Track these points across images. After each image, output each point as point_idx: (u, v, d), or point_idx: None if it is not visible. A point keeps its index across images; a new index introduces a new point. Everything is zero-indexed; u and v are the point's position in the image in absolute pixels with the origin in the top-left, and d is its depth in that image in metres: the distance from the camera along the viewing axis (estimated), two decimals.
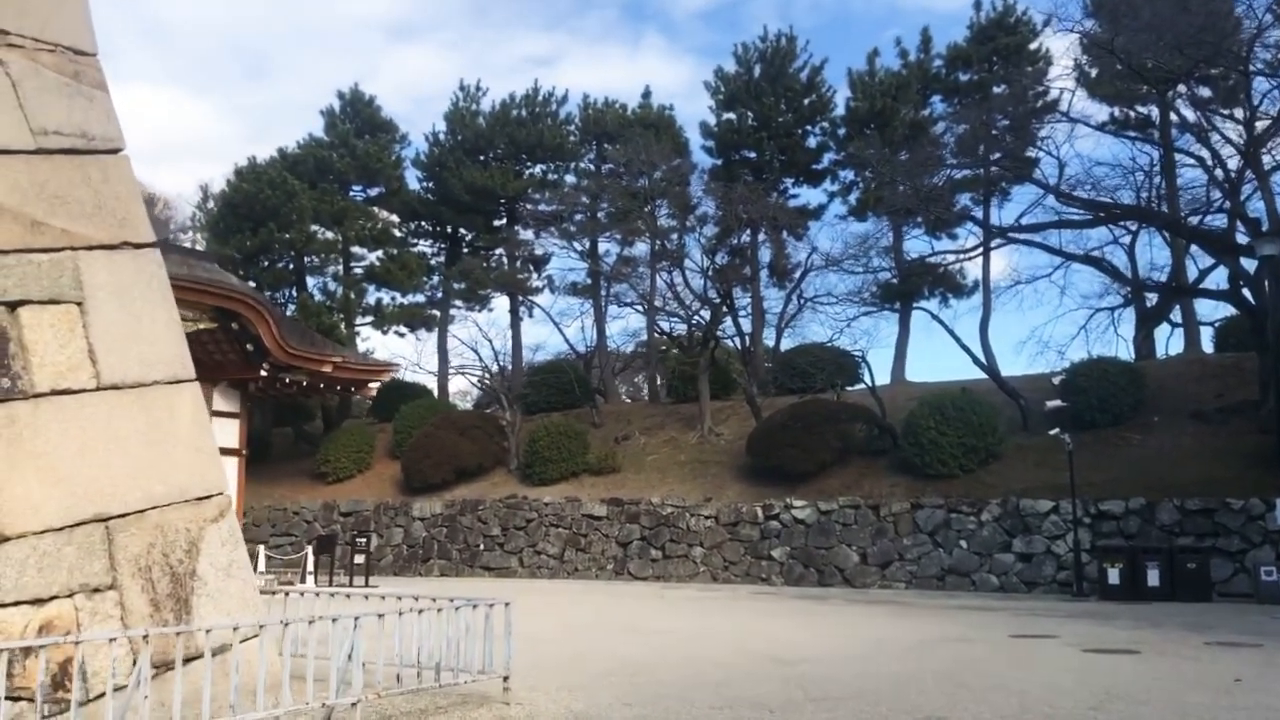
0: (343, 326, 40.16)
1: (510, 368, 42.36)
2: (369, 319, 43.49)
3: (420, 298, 44.78)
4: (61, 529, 7.46)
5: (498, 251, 45.39)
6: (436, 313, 45.17)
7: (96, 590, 7.57)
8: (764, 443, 29.68)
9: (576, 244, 41.87)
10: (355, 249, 42.66)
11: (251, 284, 40.22)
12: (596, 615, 18.13)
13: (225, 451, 25.23)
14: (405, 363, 43.04)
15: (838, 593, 24.41)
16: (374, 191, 44.27)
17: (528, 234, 43.27)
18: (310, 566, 26.60)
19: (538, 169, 44.77)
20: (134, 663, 7.58)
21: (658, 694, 9.69)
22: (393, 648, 9.25)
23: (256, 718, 7.41)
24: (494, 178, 42.11)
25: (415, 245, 45.94)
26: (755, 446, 30.02)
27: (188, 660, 7.92)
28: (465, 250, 45.47)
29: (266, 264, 39.92)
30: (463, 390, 50.42)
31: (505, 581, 28.86)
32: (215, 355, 24.65)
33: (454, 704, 9.03)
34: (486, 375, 38.78)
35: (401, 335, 45.12)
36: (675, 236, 39.19)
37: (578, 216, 41.81)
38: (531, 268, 44.77)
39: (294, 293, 41.37)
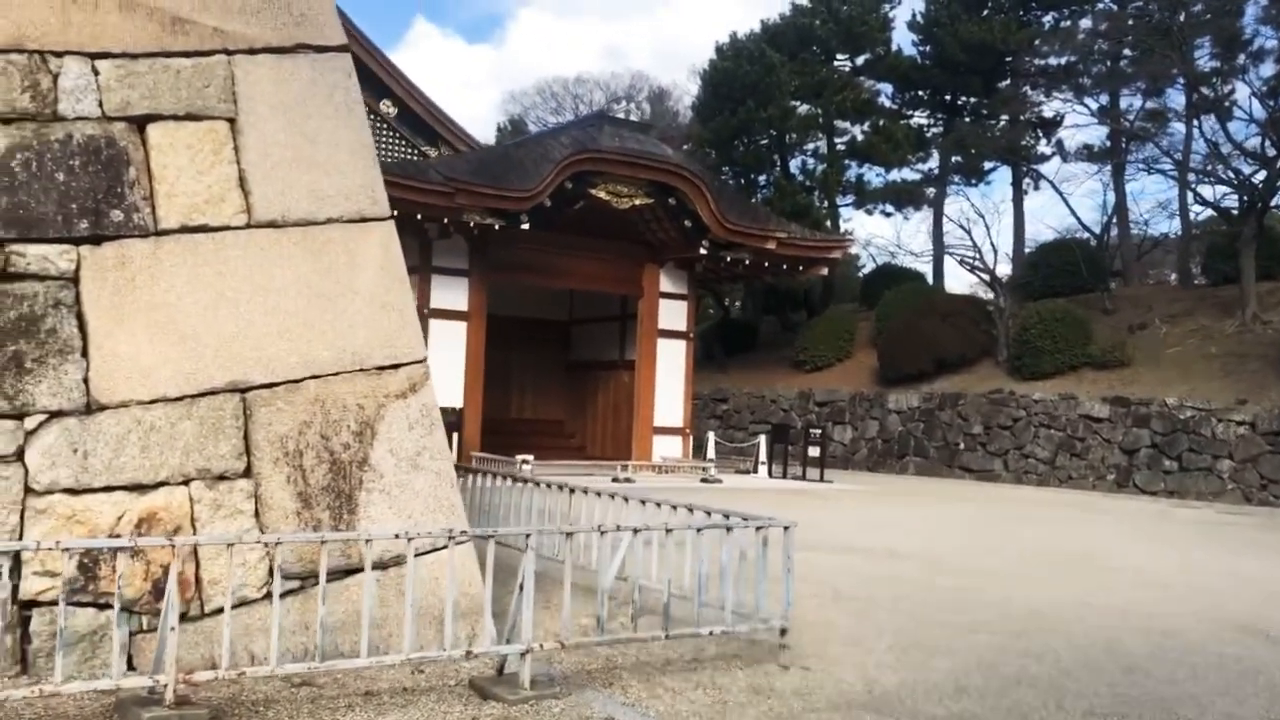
0: (820, 204, 37.83)
1: (1011, 248, 37.71)
2: (849, 199, 40.76)
3: (909, 173, 41.17)
4: (179, 399, 5.94)
5: (999, 120, 40.20)
6: (931, 190, 41.27)
7: (222, 478, 6.00)
8: None
9: (1091, 100, 35.80)
10: (836, 123, 39.89)
11: (730, 166, 39.22)
12: (1054, 535, 14.50)
13: (672, 334, 24.36)
14: (887, 244, 39.84)
15: None
16: (859, 60, 41.01)
17: (1033, 94, 37.79)
18: (763, 456, 25.05)
19: (1048, 17, 38.84)
20: (270, 570, 5.99)
21: (1023, 673, 6.50)
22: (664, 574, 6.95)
23: (397, 660, 5.47)
24: (994, 31, 37.04)
25: (910, 116, 42.13)
26: None
27: (351, 572, 6.23)
28: (968, 118, 40.88)
29: (745, 145, 38.46)
30: (974, 282, 46.19)
31: (985, 486, 25.43)
32: (658, 233, 23.54)
33: (709, 659, 6.56)
34: (976, 256, 34.61)
35: (888, 215, 41.91)
36: (1218, 81, 31.98)
37: (1093, 68, 35.70)
38: (1038, 132, 39.20)
39: (770, 176, 39.66)
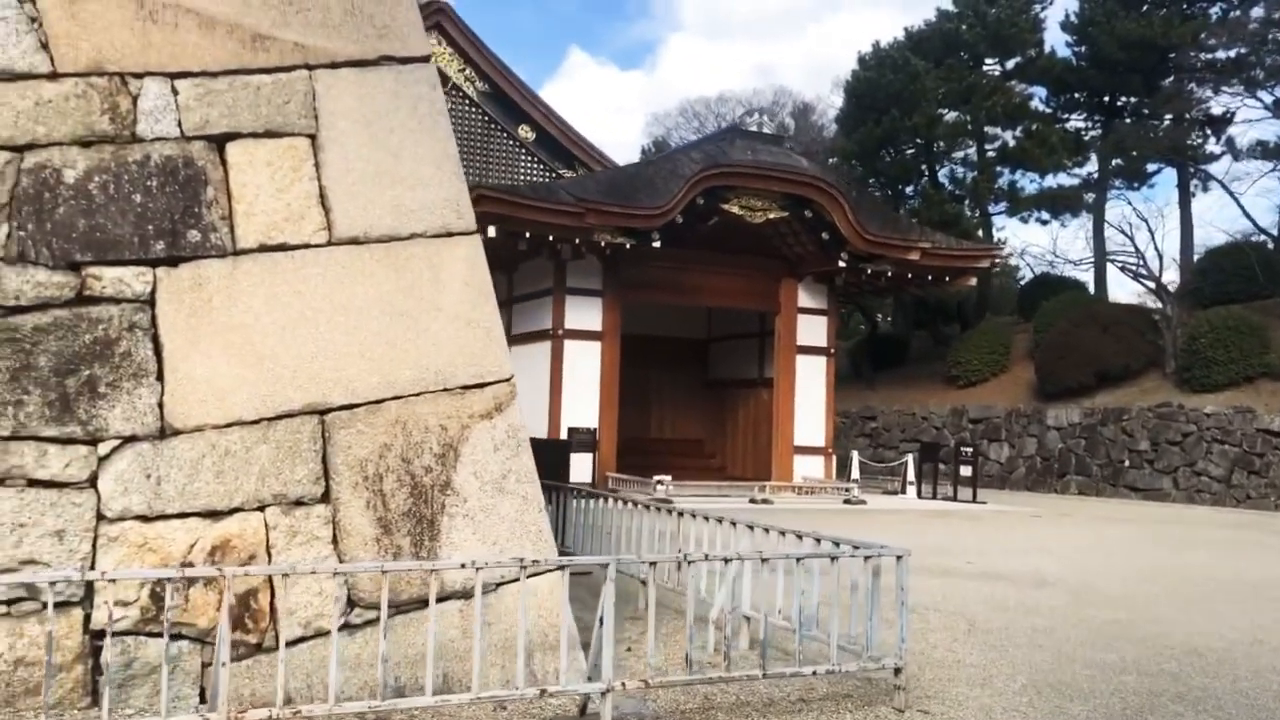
0: (971, 213, 36.37)
1: (1179, 253, 35.52)
2: (1001, 207, 39.10)
3: (1065, 179, 39.25)
4: (255, 423, 5.77)
5: (1163, 120, 37.98)
6: (1089, 195, 39.24)
7: (299, 503, 5.80)
8: None
9: (1265, 93, 33.50)
10: (986, 129, 38.36)
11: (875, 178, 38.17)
12: (1224, 561, 13.30)
13: (812, 350, 23.73)
14: (1044, 253, 38.09)
15: None
16: (1009, 64, 39.37)
17: (1199, 90, 35.62)
18: (911, 476, 24.05)
19: (1214, 9, 36.57)
20: (349, 600, 5.78)
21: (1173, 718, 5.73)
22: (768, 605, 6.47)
23: (465, 699, 5.15)
24: (1154, 27, 35.07)
25: (1065, 119, 40.22)
26: None
27: (437, 600, 5.92)
28: (1128, 119, 38.81)
29: (890, 155, 37.40)
30: (1139, 291, 43.65)
31: (1152, 506, 23.86)
32: (795, 247, 22.95)
33: (817, 699, 6.01)
34: (1140, 263, 32.69)
35: (1044, 222, 39.96)
36: None
37: (1267, 59, 33.45)
38: (1205, 130, 36.88)
39: (918, 186, 38.41)
